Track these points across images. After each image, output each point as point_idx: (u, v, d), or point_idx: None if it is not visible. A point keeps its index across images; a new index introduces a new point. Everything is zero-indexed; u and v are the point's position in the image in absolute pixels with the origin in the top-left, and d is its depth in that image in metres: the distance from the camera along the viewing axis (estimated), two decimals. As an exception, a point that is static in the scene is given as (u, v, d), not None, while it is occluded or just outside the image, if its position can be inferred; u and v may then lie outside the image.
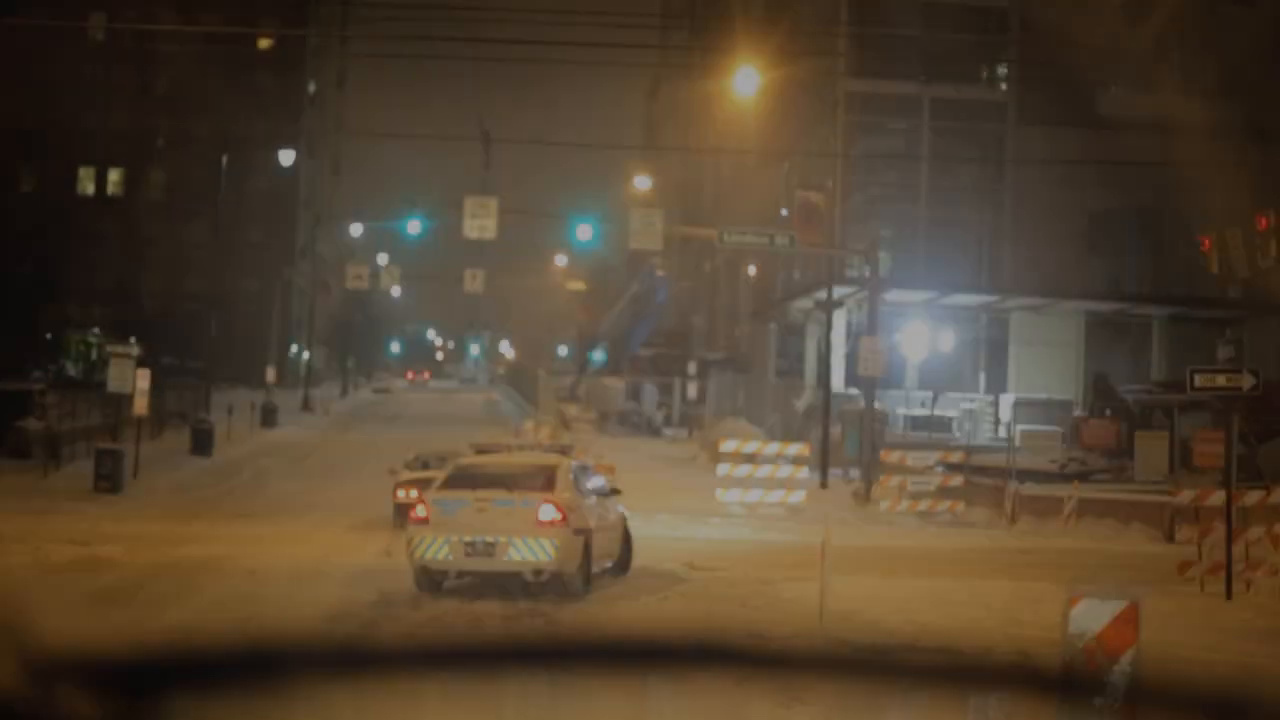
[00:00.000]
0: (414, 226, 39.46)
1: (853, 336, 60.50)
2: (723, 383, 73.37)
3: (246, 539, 26.57)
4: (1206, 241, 37.19)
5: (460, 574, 19.53)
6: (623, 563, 21.94)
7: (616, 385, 75.09)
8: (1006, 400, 59.50)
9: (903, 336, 56.05)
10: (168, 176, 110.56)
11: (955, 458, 36.81)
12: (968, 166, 65.56)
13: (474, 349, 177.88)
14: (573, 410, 72.25)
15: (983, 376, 61.88)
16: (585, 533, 19.46)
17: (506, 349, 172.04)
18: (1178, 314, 61.25)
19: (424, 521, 19.16)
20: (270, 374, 69.62)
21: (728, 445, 37.47)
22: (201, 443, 48.75)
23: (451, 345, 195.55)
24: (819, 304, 51.88)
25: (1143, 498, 32.48)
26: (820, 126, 62.76)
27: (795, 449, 37.13)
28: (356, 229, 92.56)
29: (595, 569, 20.19)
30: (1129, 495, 32.88)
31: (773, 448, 37.90)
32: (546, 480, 19.92)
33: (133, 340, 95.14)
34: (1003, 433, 58.38)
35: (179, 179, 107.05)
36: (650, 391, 73.24)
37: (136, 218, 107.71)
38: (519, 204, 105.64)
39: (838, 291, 58.80)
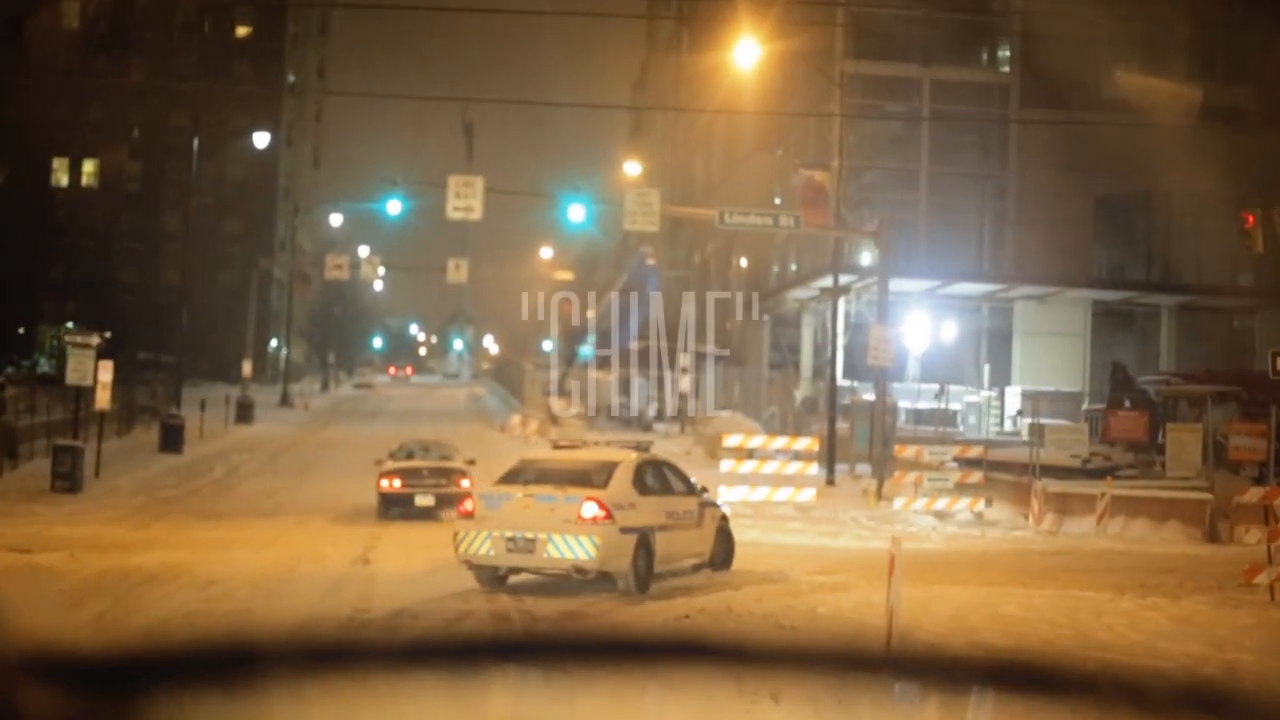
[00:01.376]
0: (394, 207, 36.96)
1: (852, 327, 58.47)
2: (715, 376, 71.01)
3: (209, 543, 24.16)
4: (1250, 218, 34.80)
5: (507, 570, 19.16)
6: (718, 561, 21.41)
7: (605, 379, 72.49)
8: (1012, 393, 57.43)
9: (904, 327, 53.64)
10: (144, 168, 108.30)
11: (974, 453, 34.34)
12: (969, 151, 63.27)
13: (457, 344, 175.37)
14: (561, 405, 69.72)
15: (987, 369, 59.80)
16: (640, 531, 18.91)
17: (490, 344, 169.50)
18: (1187, 303, 59.23)
19: (469, 516, 18.98)
20: (246, 368, 67.00)
21: (731, 440, 35.08)
22: (171, 439, 46.31)
23: (435, 340, 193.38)
24: (823, 291, 49.63)
25: (1179, 495, 30.11)
26: (817, 109, 60.33)
27: (803, 443, 34.71)
28: (336, 219, 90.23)
29: (668, 568, 19.89)
30: (1165, 493, 30.48)
31: (779, 442, 35.50)
32: (602, 477, 19.37)
33: (107, 334, 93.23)
34: (1009, 426, 56.67)
35: (155, 171, 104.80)
36: (640, 385, 70.75)
37: (112, 210, 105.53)
38: (506, 200, 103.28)
39: (842, 279, 56.95)
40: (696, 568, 20.97)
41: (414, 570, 20.43)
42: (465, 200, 34.99)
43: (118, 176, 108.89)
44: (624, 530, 18.61)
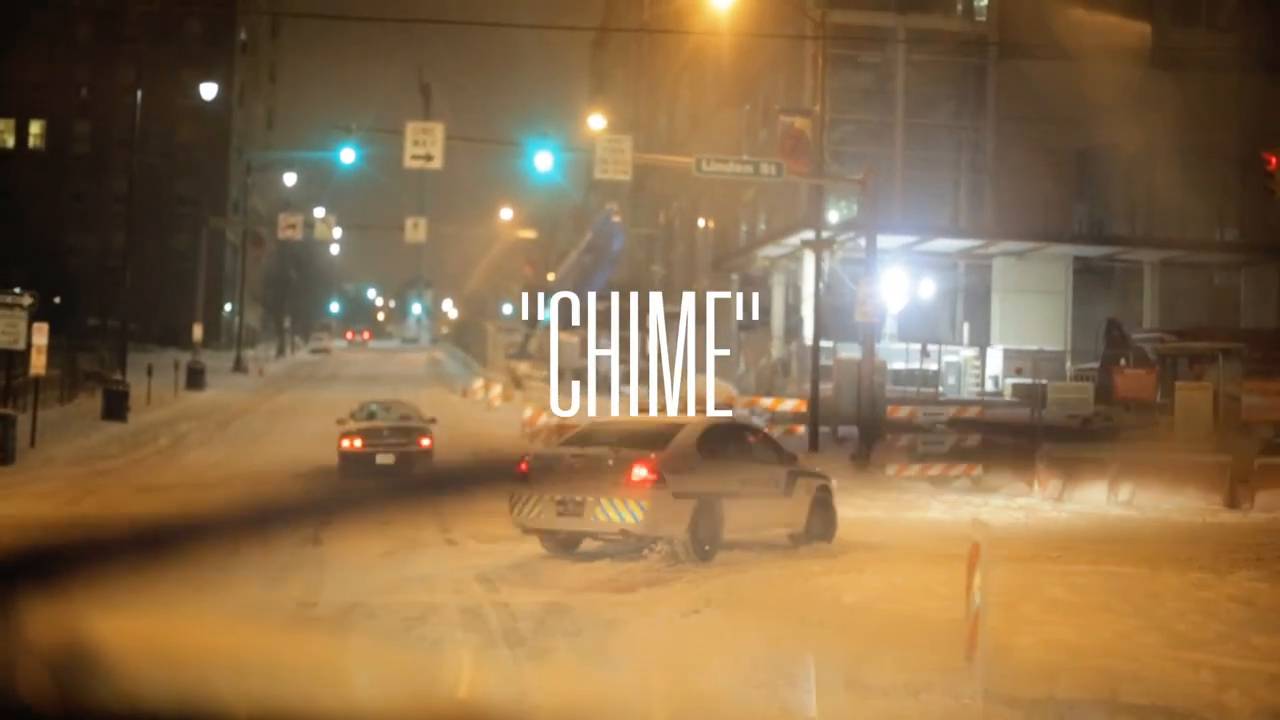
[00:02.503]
0: (348, 155, 34.54)
1: (825, 286, 56.46)
2: (686, 337, 68.78)
3: (144, 522, 21.76)
4: (1273, 160, 32.63)
5: (566, 534, 18.55)
6: (815, 532, 20.55)
7: (571, 340, 70.17)
8: (994, 352, 55.53)
9: (880, 285, 51.49)
10: (92, 129, 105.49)
11: (971, 414, 32.16)
12: (945, 103, 61.12)
13: (416, 308, 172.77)
14: (524, 368, 67.32)
15: (966, 327, 57.86)
16: (701, 497, 18.06)
17: (449, 308, 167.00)
18: (1170, 258, 57.42)
19: (523, 478, 18.37)
20: (196, 332, 64.52)
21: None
22: (114, 406, 43.85)
23: (393, 305, 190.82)
24: (804, 243, 47.42)
25: (1196, 458, 28.00)
26: (788, 57, 58.07)
27: (790, 404, 32.52)
28: (290, 179, 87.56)
29: (745, 536, 19.19)
30: (1179, 456, 28.36)
31: (766, 401, 33.25)
32: (662, 440, 18.56)
33: (56, 299, 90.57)
34: (990, 386, 54.78)
35: (104, 132, 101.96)
36: (607, 346, 68.51)
37: (59, 172, 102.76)
38: (465, 156, 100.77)
39: (812, 235, 54.83)
40: (794, 539, 20.23)
41: (370, 552, 18.10)
42: (424, 148, 32.60)
43: (66, 138, 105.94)
44: (678, 495, 17.83)
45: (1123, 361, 40.44)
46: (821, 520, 20.84)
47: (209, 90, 68.48)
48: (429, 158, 32.49)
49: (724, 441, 19.72)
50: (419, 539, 19.78)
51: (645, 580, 15.64)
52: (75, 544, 2.43)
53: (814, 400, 34.83)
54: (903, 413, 31.86)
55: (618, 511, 17.59)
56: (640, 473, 17.72)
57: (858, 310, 33.43)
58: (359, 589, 14.85)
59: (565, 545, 18.70)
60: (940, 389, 51.51)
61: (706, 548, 18.05)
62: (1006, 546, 20.54)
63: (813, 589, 14.44)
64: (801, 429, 32.91)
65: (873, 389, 34.31)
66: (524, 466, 18.57)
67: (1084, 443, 31.54)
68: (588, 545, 18.93)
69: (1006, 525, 24.50)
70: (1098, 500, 27.88)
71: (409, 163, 32.71)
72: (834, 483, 21.87)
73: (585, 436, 19.73)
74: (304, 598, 14.23)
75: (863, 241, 48.79)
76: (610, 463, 17.99)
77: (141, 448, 37.66)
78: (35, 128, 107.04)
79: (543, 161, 33.73)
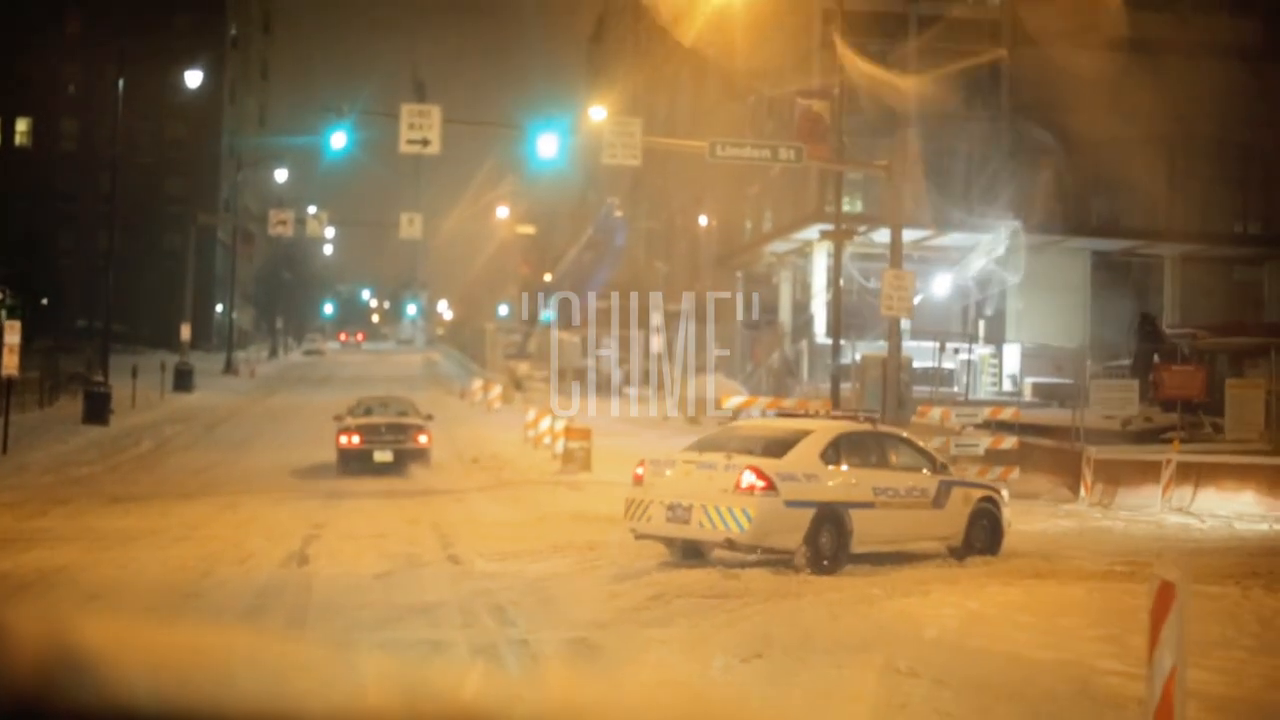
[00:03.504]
0: (339, 140, 32.29)
1: (833, 281, 54.63)
2: (687, 336, 66.65)
3: (112, 536, 19.64)
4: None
5: (684, 541, 17.79)
6: (976, 545, 19.29)
7: (571, 340, 67.98)
8: (1011, 350, 53.56)
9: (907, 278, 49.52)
10: (80, 126, 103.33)
11: (1007, 414, 30.01)
12: (959, 93, 59.02)
13: (411, 309, 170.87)
14: (524, 368, 65.27)
15: (982, 324, 55.89)
16: (821, 506, 17.23)
17: (445, 309, 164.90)
18: (1191, 252, 55.53)
19: (639, 483, 18.07)
20: (184, 332, 62.44)
21: (732, 403, 30.79)
22: (95, 409, 41.68)
23: (388, 306, 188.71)
24: (824, 234, 45.32)
25: (1257, 461, 25.88)
26: (796, 46, 56.01)
27: (814, 405, 30.37)
28: (282, 174, 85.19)
29: (885, 548, 18.24)
30: (1238, 458, 26.24)
31: (787, 404, 31.14)
32: (783, 446, 17.67)
33: (44, 300, 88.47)
34: (1008, 385, 52.80)
35: (92, 129, 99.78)
36: (609, 346, 66.22)
37: (47, 170, 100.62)
38: (463, 155, 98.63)
39: (826, 229, 52.84)
40: (953, 552, 19.09)
41: (362, 572, 15.99)
42: (420, 132, 30.43)
43: (53, 136, 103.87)
44: (792, 503, 17.04)
45: (1156, 358, 38.30)
46: (983, 534, 19.58)
47: (194, 78, 66.02)
48: (425, 142, 30.34)
49: (857, 449, 18.60)
50: (418, 556, 17.74)
51: (686, 610, 13.46)
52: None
53: (835, 400, 32.70)
54: (934, 414, 29.66)
55: (722, 518, 16.84)
56: (749, 479, 16.93)
57: (883, 304, 31.30)
58: (349, 623, 12.67)
59: (689, 554, 17.80)
60: (955, 388, 49.63)
61: (826, 561, 17.13)
62: (1067, 560, 18.56)
63: (883, 617, 12.33)
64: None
65: (899, 388, 32.20)
66: (639, 472, 18.20)
67: (1127, 445, 29.42)
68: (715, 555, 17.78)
69: (1057, 534, 22.53)
70: (1149, 506, 25.81)
71: (404, 148, 30.54)
72: (1004, 493, 20.43)
73: (709, 441, 19.01)
74: (282, 635, 12.00)
75: (875, 236, 47.13)
76: (722, 468, 17.27)
77: (121, 453, 35.48)
78: (22, 125, 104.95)
79: (546, 146, 31.54)
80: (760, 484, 16.87)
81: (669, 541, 17.88)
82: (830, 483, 17.62)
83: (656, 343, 64.40)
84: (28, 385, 45.55)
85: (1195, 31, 55.17)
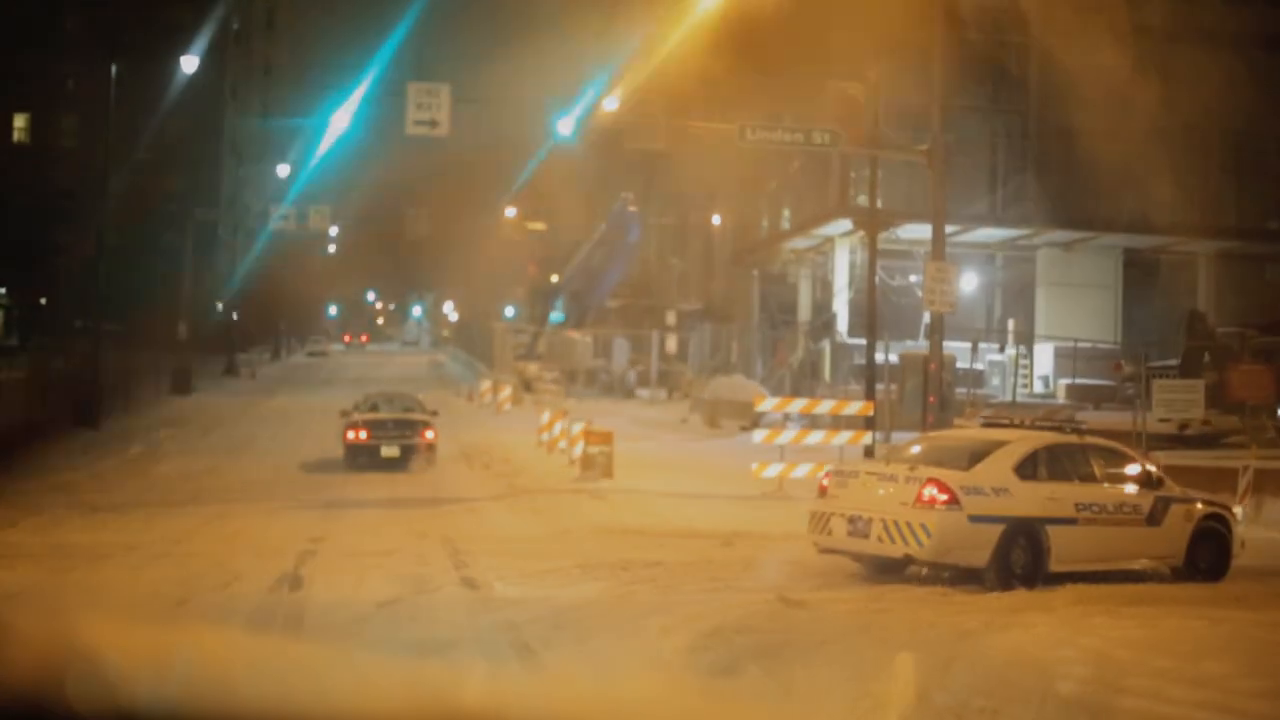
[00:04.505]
0: (340, 121, 30.15)
1: (856, 279, 52.82)
2: (702, 335, 64.58)
3: (85, 552, 17.47)
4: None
5: (869, 555, 16.92)
6: (1201, 566, 17.93)
7: (583, 340, 65.95)
8: (1042, 350, 51.54)
9: (918, 279, 47.62)
10: (80, 123, 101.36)
11: (1062, 418, 27.77)
12: (985, 84, 56.85)
13: (416, 311, 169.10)
14: (534, 369, 63.11)
15: (1011, 324, 53.92)
16: (1013, 521, 16.23)
17: (450, 311, 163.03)
18: (1225, 249, 53.49)
19: (822, 494, 17.47)
20: (182, 331, 60.54)
21: (766, 405, 28.65)
22: (84, 411, 39.52)
23: (392, 308, 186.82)
24: (858, 224, 43.24)
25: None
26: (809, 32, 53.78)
27: (855, 407, 28.31)
28: (283, 170, 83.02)
29: (1090, 567, 16.95)
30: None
31: (825, 405, 28.97)
32: (973, 458, 16.88)
33: (42, 300, 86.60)
34: (1039, 387, 50.80)
35: (92, 125, 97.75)
36: (622, 346, 64.08)
37: (46, 167, 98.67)
38: (467, 152, 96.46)
39: (847, 225, 50.94)
40: (1176, 573, 17.82)
41: (364, 599, 13.80)
42: (429, 113, 28.29)
43: (52, 131, 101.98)
44: (977, 519, 16.13)
45: (1206, 356, 36.19)
46: (1208, 554, 18.17)
47: (195, 76, 64.11)
48: (434, 123, 28.20)
49: (1058, 462, 17.42)
50: (428, 579, 15.53)
51: (752, 650, 11.26)
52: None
53: (872, 402, 30.52)
54: (983, 417, 27.47)
55: (901, 533, 16.08)
56: (930, 492, 16.12)
57: (926, 297, 29.18)
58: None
59: (884, 569, 16.78)
60: (987, 389, 47.72)
61: (1017, 580, 16.06)
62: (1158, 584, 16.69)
63: (992, 653, 10.17)
64: (865, 437, 28.54)
65: (942, 389, 30.04)
66: (824, 482, 17.64)
67: (1181, 451, 27.26)
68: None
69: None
70: (1226, 518, 23.61)
71: (411, 129, 28.39)
72: (1238, 511, 19.19)
73: (899, 452, 18.61)
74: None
75: (899, 233, 45.13)
76: (904, 480, 16.50)
77: (109, 457, 33.27)
78: (20, 121, 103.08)
79: (565, 127, 29.43)
80: (942, 497, 16.04)
81: (856, 556, 17.06)
82: (1024, 497, 16.58)
83: (670, 343, 62.43)
84: (15, 386, 43.62)
85: (1230, 21, 53.23)
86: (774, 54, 50.93)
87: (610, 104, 52.10)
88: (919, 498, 16.09)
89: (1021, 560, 16.27)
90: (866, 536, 16.36)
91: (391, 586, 14.73)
